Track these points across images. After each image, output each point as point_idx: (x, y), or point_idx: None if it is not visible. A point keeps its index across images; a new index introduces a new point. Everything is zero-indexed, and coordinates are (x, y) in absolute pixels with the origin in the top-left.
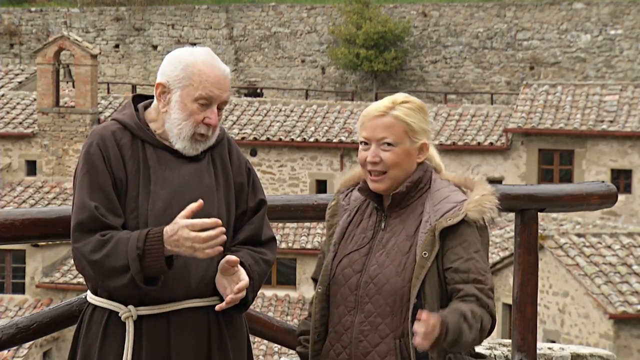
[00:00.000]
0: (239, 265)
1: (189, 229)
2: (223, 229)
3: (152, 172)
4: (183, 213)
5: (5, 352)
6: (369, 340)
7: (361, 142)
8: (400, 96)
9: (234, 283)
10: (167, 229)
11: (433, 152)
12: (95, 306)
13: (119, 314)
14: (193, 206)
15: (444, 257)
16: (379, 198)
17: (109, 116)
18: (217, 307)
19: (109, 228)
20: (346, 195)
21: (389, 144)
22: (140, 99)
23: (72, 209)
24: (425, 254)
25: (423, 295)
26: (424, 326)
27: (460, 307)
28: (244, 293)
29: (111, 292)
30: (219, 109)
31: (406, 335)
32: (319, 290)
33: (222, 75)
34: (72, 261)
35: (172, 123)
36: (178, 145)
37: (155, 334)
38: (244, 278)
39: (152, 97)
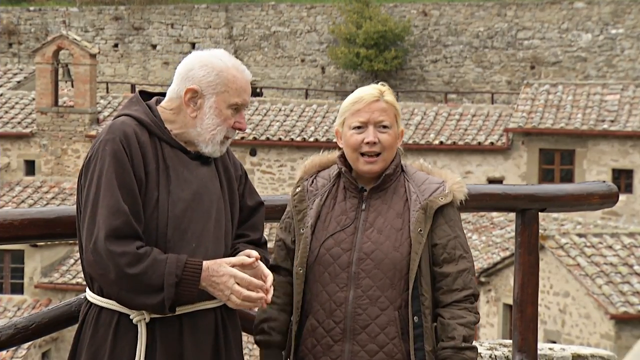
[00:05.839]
0: (259, 260)
1: (235, 281)
2: (264, 296)
3: (172, 171)
4: (233, 260)
5: (4, 352)
6: (368, 312)
7: (353, 128)
8: (379, 84)
9: (256, 277)
10: (208, 266)
11: None
12: (102, 308)
13: (130, 317)
14: (246, 260)
15: (432, 233)
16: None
17: (108, 115)
18: (263, 301)
19: (139, 235)
20: (312, 182)
21: (385, 127)
22: (145, 96)
23: (87, 203)
24: (420, 230)
25: (419, 268)
26: None
27: (455, 330)
28: (272, 287)
29: (129, 305)
30: None
31: (405, 307)
32: (300, 271)
33: (249, 81)
34: (71, 261)
35: (205, 128)
36: (208, 149)
37: (168, 336)
38: (268, 273)
39: (157, 94)
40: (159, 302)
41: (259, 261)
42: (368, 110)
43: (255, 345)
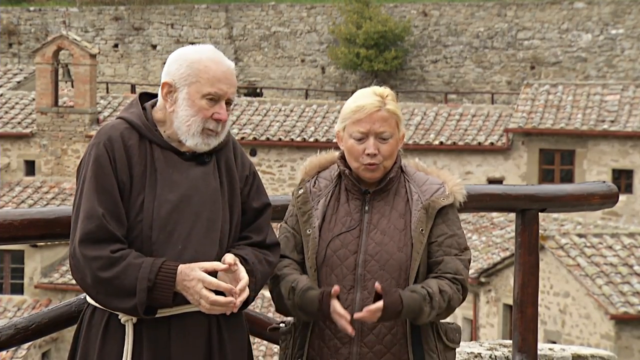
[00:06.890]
0: (238, 263)
1: (203, 285)
2: (233, 299)
3: (159, 174)
4: (206, 265)
5: (4, 352)
6: None
7: (354, 138)
8: (380, 89)
9: (235, 282)
10: (182, 270)
11: None
12: (95, 307)
13: (119, 317)
14: (220, 266)
15: (430, 232)
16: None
17: (108, 116)
18: (232, 305)
19: (116, 239)
20: (314, 184)
21: (385, 138)
22: (146, 97)
23: (74, 208)
24: (422, 230)
25: (419, 268)
26: (369, 313)
27: (430, 286)
28: (247, 291)
29: (107, 308)
30: (227, 104)
31: None
32: (313, 272)
33: (228, 71)
34: None
35: (181, 121)
36: (189, 143)
37: (156, 338)
38: (243, 277)
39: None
40: (132, 306)
41: (238, 265)
42: (369, 120)
43: (259, 348)
